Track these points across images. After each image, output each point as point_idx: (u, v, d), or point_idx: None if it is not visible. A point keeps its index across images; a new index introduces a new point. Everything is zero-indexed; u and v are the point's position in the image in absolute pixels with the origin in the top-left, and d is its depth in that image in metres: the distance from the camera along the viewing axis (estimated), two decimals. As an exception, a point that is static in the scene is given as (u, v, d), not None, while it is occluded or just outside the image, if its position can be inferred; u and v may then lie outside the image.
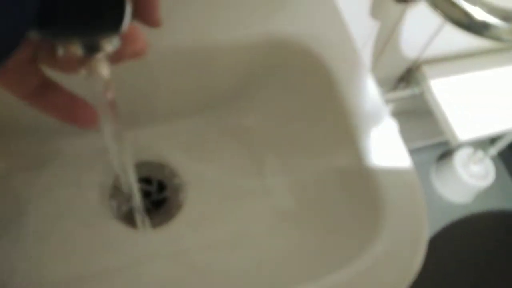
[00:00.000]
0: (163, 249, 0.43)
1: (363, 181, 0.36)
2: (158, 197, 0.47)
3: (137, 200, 0.36)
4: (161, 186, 0.47)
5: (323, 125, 0.41)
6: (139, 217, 0.40)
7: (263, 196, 0.45)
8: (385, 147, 0.37)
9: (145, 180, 0.47)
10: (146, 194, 0.47)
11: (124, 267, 0.41)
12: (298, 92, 0.43)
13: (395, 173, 0.36)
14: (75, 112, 0.22)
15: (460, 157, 1.12)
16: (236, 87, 0.44)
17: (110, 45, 0.19)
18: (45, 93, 0.22)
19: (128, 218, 0.45)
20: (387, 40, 0.65)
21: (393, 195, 0.34)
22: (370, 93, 0.39)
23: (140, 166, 0.48)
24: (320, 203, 0.41)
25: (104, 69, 0.20)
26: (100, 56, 0.19)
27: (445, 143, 1.11)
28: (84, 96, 0.22)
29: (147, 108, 0.46)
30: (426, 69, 0.71)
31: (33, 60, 0.20)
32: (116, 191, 0.46)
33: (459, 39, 0.71)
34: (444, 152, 1.23)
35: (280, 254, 0.40)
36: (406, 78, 0.75)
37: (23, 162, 0.42)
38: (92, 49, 0.19)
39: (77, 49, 0.19)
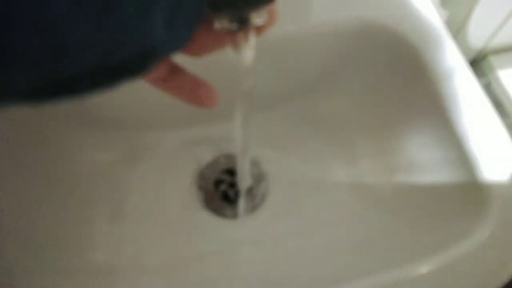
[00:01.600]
0: (253, 236, 0.44)
1: (462, 164, 0.36)
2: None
3: (245, 186, 0.37)
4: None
5: (414, 108, 0.41)
6: (242, 204, 0.41)
7: (351, 184, 0.45)
8: (481, 128, 0.37)
9: (229, 172, 0.49)
10: (231, 185, 0.48)
11: (217, 253, 0.42)
12: (387, 78, 0.43)
13: (495, 155, 0.35)
14: (199, 94, 0.24)
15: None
16: (322, 75, 0.45)
17: (259, 18, 0.20)
18: (172, 78, 0.23)
19: (217, 208, 0.46)
20: (456, 30, 0.64)
21: (495, 176, 0.34)
22: (461, 75, 0.39)
23: (223, 158, 0.49)
24: (415, 188, 0.40)
25: (250, 45, 0.21)
26: (248, 30, 0.20)
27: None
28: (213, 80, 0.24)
29: (232, 99, 0.48)
30: (493, 59, 0.70)
31: None
32: (203, 181, 0.47)
33: (528, 28, 0.69)
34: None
35: (370, 240, 0.40)
36: (472, 69, 0.73)
37: (123, 154, 0.44)
38: (242, 22, 0.19)
39: (230, 22, 0.19)
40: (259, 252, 0.43)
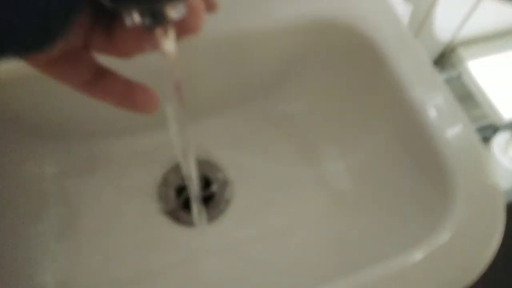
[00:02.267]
0: (216, 244, 0.42)
1: (426, 153, 0.34)
2: (204, 193, 0.46)
3: (195, 192, 0.35)
4: (207, 182, 0.46)
5: (375, 102, 0.40)
6: (196, 210, 0.39)
7: (316, 183, 0.43)
8: (445, 115, 0.35)
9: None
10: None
11: (180, 264, 0.40)
12: (344, 73, 0.42)
13: (458, 141, 0.34)
14: (134, 98, 0.22)
15: (498, 144, 1.08)
16: (279, 73, 0.44)
17: (176, 12, 0.18)
18: (100, 81, 0.21)
19: (178, 216, 0.44)
20: (421, 23, 0.63)
21: (458, 163, 0.32)
22: (422, 64, 0.38)
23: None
24: (380, 184, 0.39)
25: (170, 40, 0.20)
26: (166, 25, 0.19)
27: (482, 129, 1.08)
28: (143, 82, 0.22)
29: (187, 102, 0.46)
30: (462, 51, 0.69)
31: (85, 47, 0.19)
32: (165, 190, 0.45)
33: (493, 18, 0.69)
34: (481, 139, 1.19)
35: (338, 240, 0.38)
36: (441, 62, 0.73)
37: (73, 166, 0.42)
38: (157, 17, 0.18)
39: (141, 18, 0.18)
40: (223, 260, 0.41)
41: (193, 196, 0.36)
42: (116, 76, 0.21)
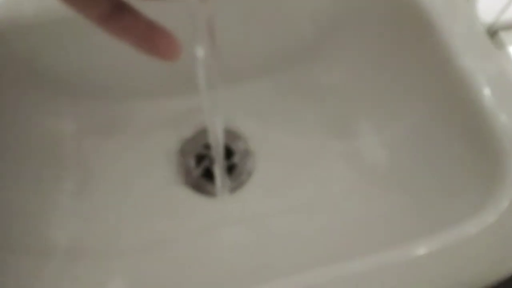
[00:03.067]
0: (237, 215, 0.40)
1: (475, 129, 0.31)
2: (226, 163, 0.43)
3: (220, 160, 0.33)
4: (228, 152, 0.44)
5: (418, 71, 0.36)
6: (220, 180, 0.37)
7: (346, 158, 0.41)
8: (497, 87, 0.32)
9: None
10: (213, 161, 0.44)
11: (198, 232, 0.38)
12: (383, 39, 0.38)
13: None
14: (155, 40, 0.20)
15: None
16: (313, 38, 0.41)
17: None
18: (120, 17, 0.19)
19: (198, 185, 0.42)
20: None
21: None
22: (474, 30, 0.34)
23: (204, 132, 0.45)
24: (418, 160, 0.36)
25: None
26: None
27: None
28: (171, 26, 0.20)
29: (208, 70, 0.43)
30: (504, 36, 0.65)
31: None
32: (185, 157, 0.43)
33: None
34: None
35: (367, 217, 0.35)
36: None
37: (93, 126, 0.40)
38: None
39: None
40: (244, 232, 0.39)
41: (218, 165, 0.34)
42: (139, 15, 0.19)
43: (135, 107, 0.42)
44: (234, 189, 0.42)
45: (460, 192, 0.31)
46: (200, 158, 0.44)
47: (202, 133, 0.44)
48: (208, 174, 0.43)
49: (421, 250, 0.27)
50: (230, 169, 0.43)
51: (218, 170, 0.40)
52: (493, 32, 0.67)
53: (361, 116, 0.41)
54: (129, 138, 0.41)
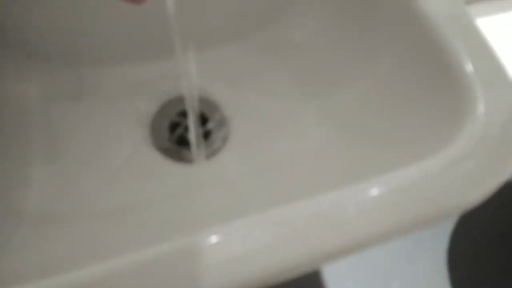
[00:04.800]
0: (214, 180, 0.39)
1: (439, 68, 0.32)
2: (201, 130, 0.43)
3: (196, 126, 0.33)
4: (203, 119, 0.43)
5: (385, 19, 0.37)
6: (195, 145, 0.37)
7: (319, 117, 0.41)
8: (460, 28, 0.32)
9: (184, 114, 0.44)
10: (187, 129, 0.43)
11: (174, 195, 0.37)
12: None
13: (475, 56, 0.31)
14: None
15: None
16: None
17: None
18: None
19: (172, 151, 0.41)
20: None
21: (477, 77, 0.30)
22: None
23: (177, 99, 0.44)
24: (388, 111, 0.36)
25: None
26: None
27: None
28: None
29: (181, 34, 0.43)
30: (471, 9, 0.67)
31: None
32: (158, 124, 0.42)
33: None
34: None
35: (344, 170, 0.36)
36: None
37: (59, 91, 0.39)
38: None
39: None
40: (221, 194, 0.38)
41: (193, 131, 0.33)
42: None
43: (105, 73, 0.41)
44: (210, 155, 0.42)
45: (427, 131, 0.32)
46: (174, 126, 0.43)
47: (175, 100, 0.44)
48: (184, 142, 0.42)
49: (392, 184, 0.27)
50: (206, 136, 0.43)
51: (194, 136, 0.39)
52: (460, 6, 0.69)
53: (331, 74, 0.42)
54: (100, 104, 0.40)
